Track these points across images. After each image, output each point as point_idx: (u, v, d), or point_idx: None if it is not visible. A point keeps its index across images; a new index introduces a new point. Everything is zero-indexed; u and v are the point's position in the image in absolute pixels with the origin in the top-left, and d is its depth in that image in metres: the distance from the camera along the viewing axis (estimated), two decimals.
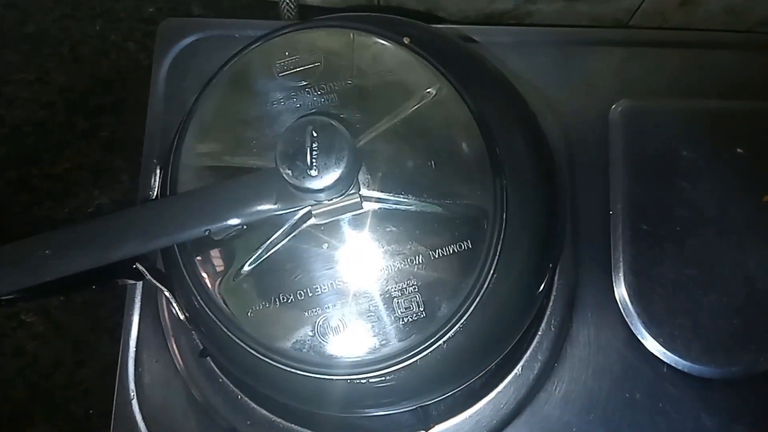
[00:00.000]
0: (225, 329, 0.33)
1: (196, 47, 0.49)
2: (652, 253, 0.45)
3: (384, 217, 0.33)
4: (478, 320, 0.33)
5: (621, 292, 0.45)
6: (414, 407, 0.39)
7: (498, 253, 0.33)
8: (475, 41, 0.49)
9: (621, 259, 0.45)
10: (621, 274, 0.45)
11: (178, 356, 0.44)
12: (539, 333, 0.44)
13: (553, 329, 0.44)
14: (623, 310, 0.45)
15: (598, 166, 0.47)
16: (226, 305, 0.33)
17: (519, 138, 0.35)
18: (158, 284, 0.37)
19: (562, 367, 0.44)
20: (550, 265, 0.38)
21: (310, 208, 0.32)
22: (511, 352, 0.41)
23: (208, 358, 0.43)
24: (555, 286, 0.45)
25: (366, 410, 0.38)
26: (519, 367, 0.44)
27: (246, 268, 0.33)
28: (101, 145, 0.54)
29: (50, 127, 0.55)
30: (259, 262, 0.33)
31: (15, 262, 0.32)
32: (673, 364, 0.44)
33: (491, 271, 0.33)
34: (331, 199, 0.32)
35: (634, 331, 0.44)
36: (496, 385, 0.43)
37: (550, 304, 0.45)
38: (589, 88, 0.49)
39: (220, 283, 0.33)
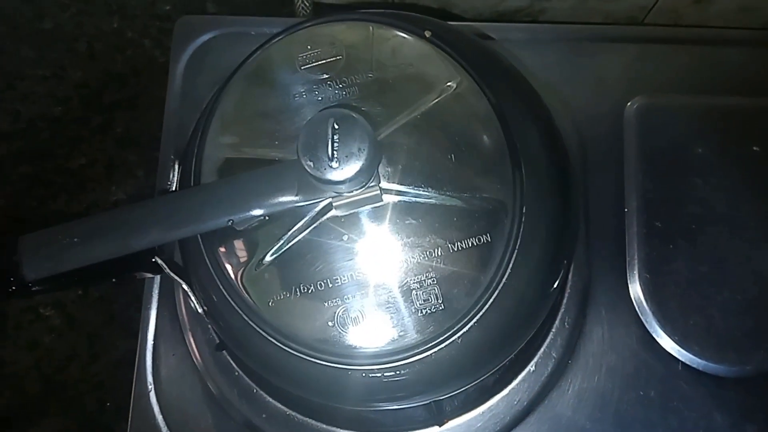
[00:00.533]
0: (246, 318, 0.33)
1: (212, 44, 0.49)
2: (666, 250, 0.45)
3: (404, 209, 0.33)
4: (495, 314, 0.33)
5: (635, 289, 0.45)
6: (428, 402, 0.39)
7: (516, 247, 0.33)
8: (491, 38, 0.49)
9: (635, 257, 0.45)
10: (635, 272, 0.45)
11: (195, 349, 0.44)
12: (553, 330, 0.44)
13: (567, 326, 0.44)
14: (637, 307, 0.45)
15: (612, 163, 0.47)
16: (248, 294, 0.33)
17: (536, 133, 0.35)
18: (176, 277, 0.37)
19: (575, 364, 0.44)
20: (565, 260, 0.38)
21: (330, 200, 0.33)
22: (525, 349, 0.41)
23: (224, 351, 0.43)
24: (569, 283, 0.45)
25: (381, 404, 0.38)
26: (533, 363, 0.44)
27: (267, 258, 0.33)
28: (116, 141, 0.55)
29: (65, 122, 0.55)
30: (280, 252, 0.33)
31: (44, 248, 0.33)
32: (688, 362, 0.44)
33: (509, 265, 0.33)
34: (352, 191, 0.32)
35: (649, 329, 0.44)
36: (510, 382, 0.44)
37: (564, 301, 0.45)
38: (603, 86, 0.49)
39: (241, 273, 0.34)
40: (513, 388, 0.43)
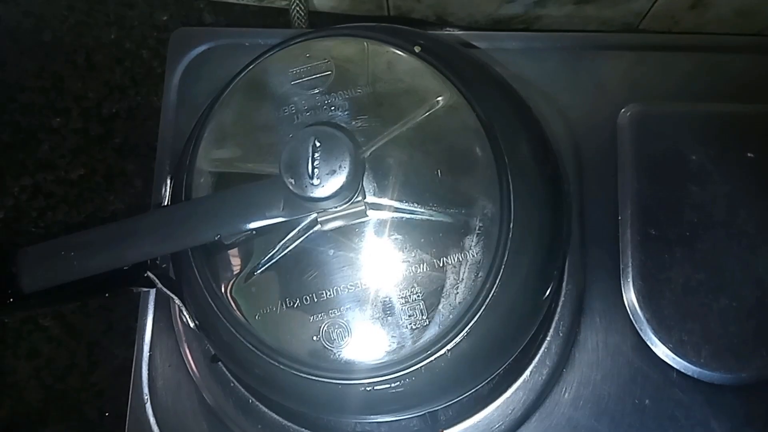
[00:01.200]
0: (233, 331, 0.34)
1: (208, 56, 0.50)
2: (661, 257, 0.45)
3: (390, 224, 0.33)
4: (483, 328, 0.33)
5: (630, 297, 0.45)
6: (421, 413, 0.40)
7: (504, 261, 0.33)
8: (485, 47, 0.49)
9: (630, 264, 0.45)
10: (630, 279, 0.45)
11: (191, 360, 0.44)
12: (548, 338, 0.44)
13: (561, 334, 0.44)
14: (632, 315, 0.45)
15: (607, 170, 0.47)
16: (236, 308, 0.34)
17: (525, 146, 0.35)
18: (168, 292, 0.37)
19: (570, 372, 0.44)
20: (555, 272, 0.38)
21: (316, 215, 0.33)
22: (519, 358, 0.42)
23: (219, 363, 0.43)
24: (563, 291, 0.45)
25: (371, 416, 0.38)
26: (528, 372, 0.44)
27: (254, 272, 0.34)
28: (115, 151, 0.55)
29: (65, 133, 0.55)
30: (267, 266, 0.34)
31: (42, 261, 0.34)
32: (683, 370, 0.44)
33: (497, 279, 0.33)
34: (336, 207, 0.32)
35: (643, 337, 0.44)
36: (505, 390, 0.44)
37: (559, 309, 0.45)
38: (599, 93, 0.49)
39: (230, 287, 0.34)
40: (508, 397, 0.44)
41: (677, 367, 0.44)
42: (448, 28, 0.54)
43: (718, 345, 0.44)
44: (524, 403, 0.44)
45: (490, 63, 0.41)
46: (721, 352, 0.44)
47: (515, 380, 0.44)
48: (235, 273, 0.34)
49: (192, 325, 0.37)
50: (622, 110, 0.48)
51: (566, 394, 0.44)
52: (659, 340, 0.44)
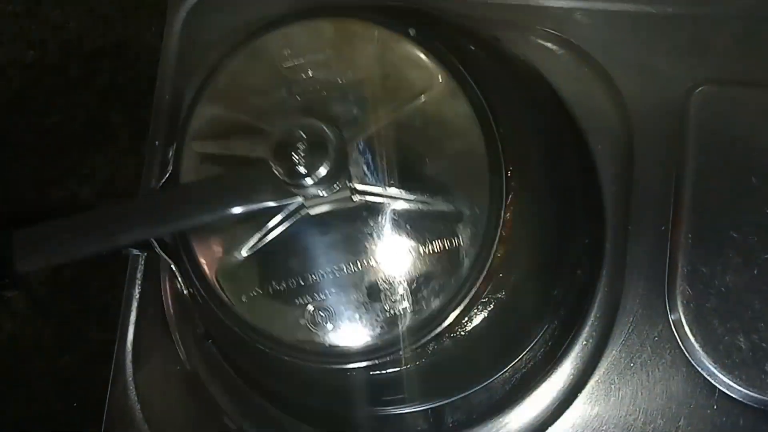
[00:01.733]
0: (219, 313, 0.35)
1: None
2: (715, 264, 0.40)
3: (380, 212, 0.33)
4: (483, 322, 0.33)
5: (674, 304, 0.40)
6: (421, 408, 0.40)
7: (506, 253, 0.32)
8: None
9: (678, 269, 0.40)
10: (676, 286, 0.40)
11: (182, 348, 0.45)
12: (578, 343, 0.41)
13: (594, 339, 0.41)
14: (674, 325, 0.40)
15: (663, 161, 0.42)
16: (222, 290, 0.35)
17: (528, 134, 0.34)
18: (164, 256, 0.38)
19: (597, 383, 0.41)
20: (566, 267, 0.37)
21: (303, 200, 0.33)
22: (541, 364, 0.40)
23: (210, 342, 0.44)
24: (598, 293, 0.41)
25: (370, 405, 0.38)
26: (548, 380, 0.41)
27: (241, 254, 0.34)
28: (122, 152, 0.56)
29: (75, 134, 0.56)
30: (253, 250, 0.34)
31: (36, 243, 0.35)
32: (726, 390, 0.39)
33: (497, 272, 0.32)
34: (323, 193, 0.32)
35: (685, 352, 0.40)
36: (524, 398, 0.41)
37: (593, 312, 0.41)
38: (661, 70, 0.43)
39: (216, 269, 0.35)
40: (527, 404, 0.41)
41: (719, 386, 0.40)
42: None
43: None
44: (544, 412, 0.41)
45: (520, 32, 0.37)
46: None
47: (536, 387, 0.41)
48: (221, 255, 0.35)
49: (186, 292, 0.37)
50: (693, 90, 0.42)
51: (590, 408, 0.41)
52: (705, 356, 0.39)
